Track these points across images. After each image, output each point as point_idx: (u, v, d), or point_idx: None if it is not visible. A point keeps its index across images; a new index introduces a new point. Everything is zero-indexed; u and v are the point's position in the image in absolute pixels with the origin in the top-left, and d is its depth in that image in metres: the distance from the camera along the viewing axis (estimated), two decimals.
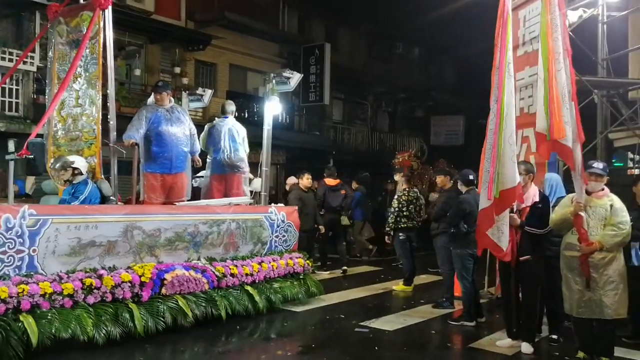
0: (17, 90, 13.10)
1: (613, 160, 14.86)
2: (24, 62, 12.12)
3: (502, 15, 5.85)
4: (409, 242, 9.53)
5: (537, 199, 6.00)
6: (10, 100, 12.96)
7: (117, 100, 7.97)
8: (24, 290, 5.35)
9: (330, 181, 11.34)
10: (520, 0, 7.86)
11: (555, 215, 5.68)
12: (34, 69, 12.84)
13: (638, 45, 11.69)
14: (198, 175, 9.01)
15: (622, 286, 5.40)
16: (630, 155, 14.12)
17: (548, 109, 5.36)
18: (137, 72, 16.29)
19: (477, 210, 7.31)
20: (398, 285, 9.58)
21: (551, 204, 6.22)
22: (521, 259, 5.89)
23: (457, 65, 30.73)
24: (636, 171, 12.00)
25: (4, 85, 12.49)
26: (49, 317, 5.43)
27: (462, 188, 7.54)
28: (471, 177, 7.49)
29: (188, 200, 8.15)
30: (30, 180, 11.72)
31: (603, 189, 5.55)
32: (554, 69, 5.38)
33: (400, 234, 9.43)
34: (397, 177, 10.28)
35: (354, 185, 13.19)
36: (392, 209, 9.53)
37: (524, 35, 7.87)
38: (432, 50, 28.95)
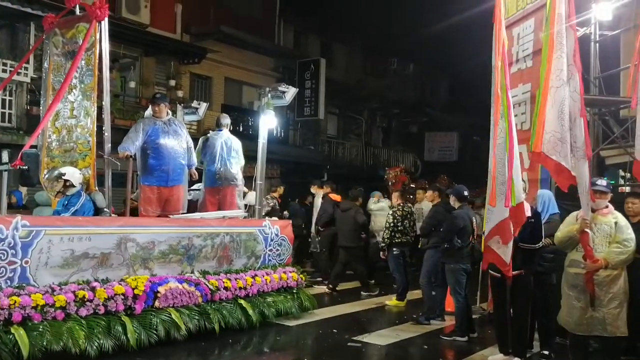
0: (10, 101, 13.08)
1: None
2: (18, 73, 12.11)
3: (498, 25, 5.89)
4: (403, 257, 9.54)
5: (529, 214, 6.02)
6: (3, 111, 12.93)
7: (112, 112, 7.96)
8: (15, 302, 5.32)
9: (335, 196, 11.63)
10: (514, 18, 7.93)
11: (560, 233, 5.62)
12: (28, 80, 12.82)
13: (629, 64, 11.80)
14: (193, 188, 9.00)
15: (626, 304, 5.36)
16: (622, 173, 14.19)
17: (536, 122, 5.35)
18: (132, 84, 16.30)
19: (470, 226, 7.36)
20: (391, 300, 9.58)
21: (543, 221, 6.25)
22: (514, 273, 5.89)
23: (451, 82, 31.01)
24: (627, 189, 12.06)
25: None
26: (40, 329, 5.39)
27: (455, 203, 7.56)
28: (465, 193, 7.51)
29: (183, 213, 8.14)
30: (22, 191, 11.69)
31: (607, 207, 5.55)
32: (550, 85, 5.36)
33: (395, 249, 9.43)
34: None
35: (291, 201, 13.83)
36: (387, 224, 9.53)
37: (518, 52, 7.93)
38: (427, 67, 29.16)
